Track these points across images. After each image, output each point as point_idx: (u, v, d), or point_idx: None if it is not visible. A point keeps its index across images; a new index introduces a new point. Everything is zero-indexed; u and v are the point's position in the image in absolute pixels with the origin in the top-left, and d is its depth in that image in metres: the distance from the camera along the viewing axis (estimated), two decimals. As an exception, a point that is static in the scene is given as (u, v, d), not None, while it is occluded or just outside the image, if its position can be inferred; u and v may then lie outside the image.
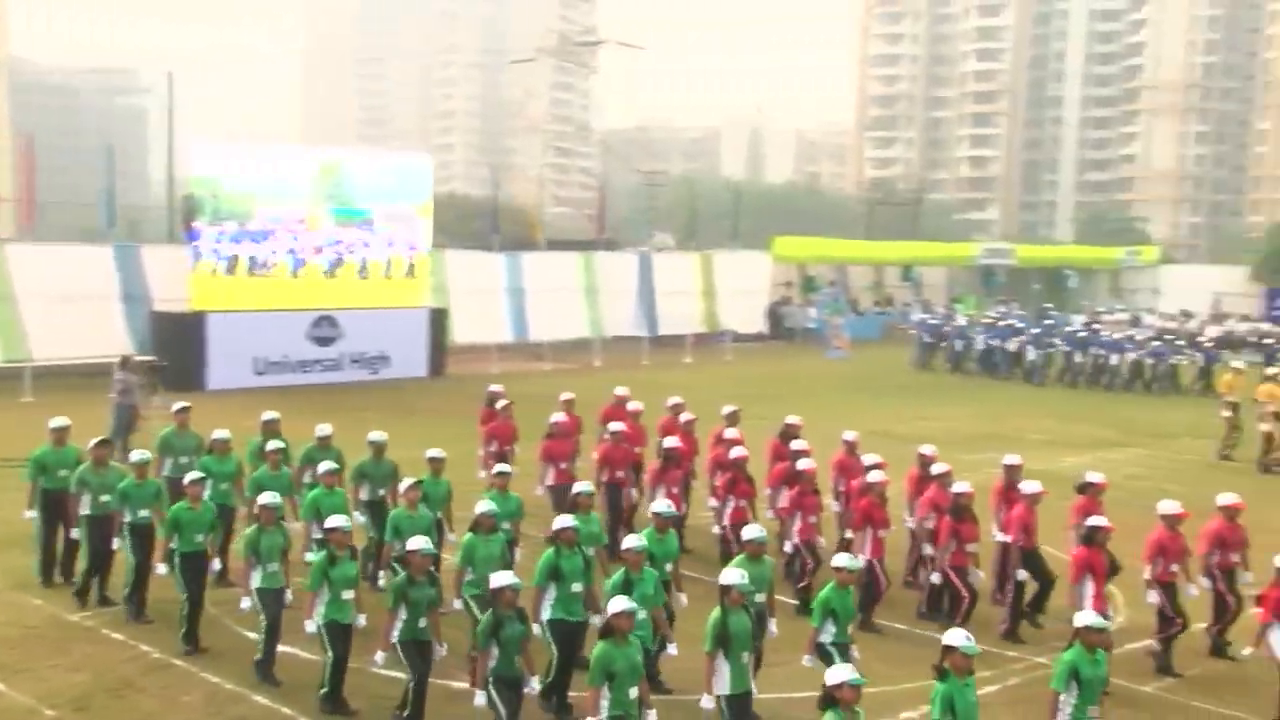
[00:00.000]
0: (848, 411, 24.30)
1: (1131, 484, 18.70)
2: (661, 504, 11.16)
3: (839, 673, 7.29)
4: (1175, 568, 11.28)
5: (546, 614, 10.00)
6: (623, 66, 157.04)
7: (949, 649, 7.58)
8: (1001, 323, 38.30)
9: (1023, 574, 12.09)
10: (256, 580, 10.71)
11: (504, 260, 37.23)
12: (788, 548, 12.99)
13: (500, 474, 12.26)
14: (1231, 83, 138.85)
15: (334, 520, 10.31)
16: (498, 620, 8.80)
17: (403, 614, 9.52)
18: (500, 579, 8.97)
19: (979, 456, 19.27)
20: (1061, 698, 8.00)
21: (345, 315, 30.40)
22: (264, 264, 29.18)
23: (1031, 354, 34.57)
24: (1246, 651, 10.67)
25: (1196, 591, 11.52)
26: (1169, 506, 11.43)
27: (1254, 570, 11.61)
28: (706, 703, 8.71)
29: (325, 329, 30.15)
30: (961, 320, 41.26)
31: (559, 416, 15.55)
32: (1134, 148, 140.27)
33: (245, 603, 10.90)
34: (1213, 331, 41.13)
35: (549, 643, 10.01)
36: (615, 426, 15.19)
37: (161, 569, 11.67)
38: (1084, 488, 12.38)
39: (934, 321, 40.68)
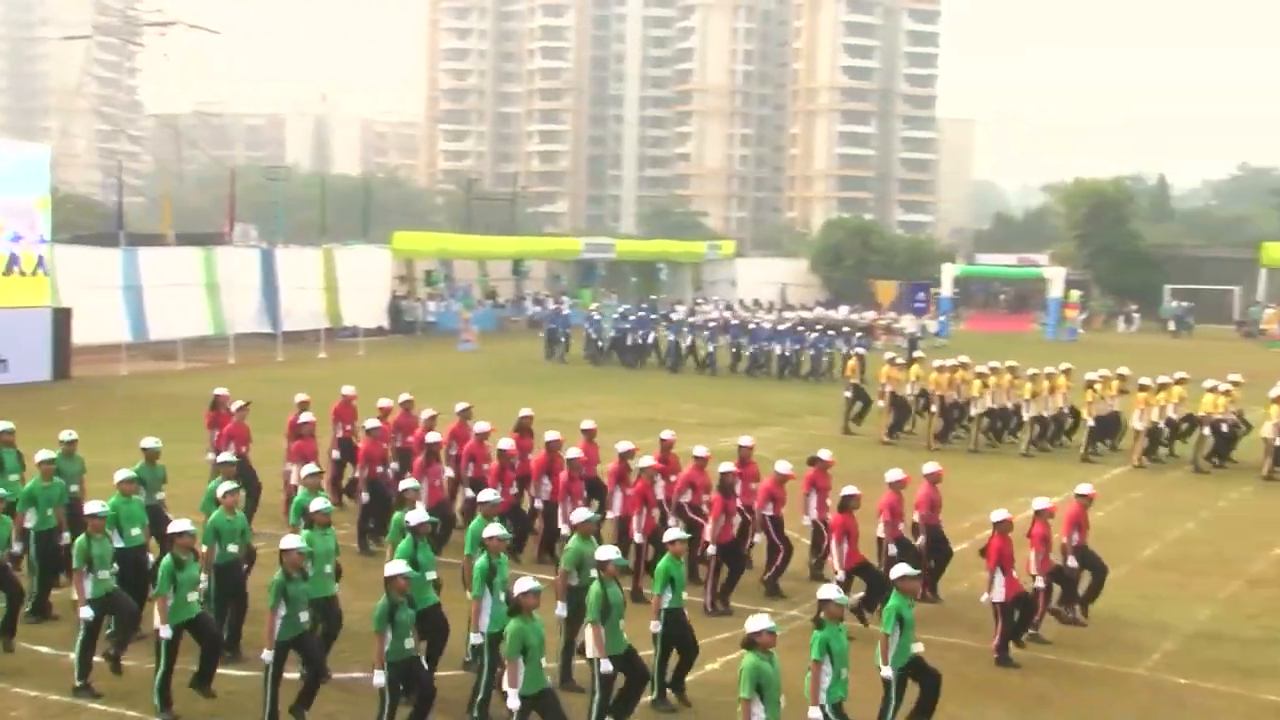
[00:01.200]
0: (518, 401, 25.29)
1: (788, 456, 21.21)
2: (489, 494, 11.98)
3: (759, 621, 8.62)
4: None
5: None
6: (179, 47, 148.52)
7: (824, 601, 9.06)
8: (634, 315, 40.62)
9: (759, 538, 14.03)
10: (89, 589, 10.55)
11: (121, 256, 35.19)
12: (564, 529, 14.03)
13: (312, 474, 12.63)
14: (767, 90, 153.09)
15: (178, 525, 10.40)
16: (392, 605, 9.40)
17: (282, 610, 9.80)
18: (394, 567, 9.60)
19: (651, 440, 20.99)
20: (890, 636, 9.68)
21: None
22: None
23: (692, 343, 37.15)
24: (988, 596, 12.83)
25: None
26: (893, 474, 13.63)
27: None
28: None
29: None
30: (568, 310, 43.50)
31: (307, 416, 15.77)
32: (688, 147, 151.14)
33: (86, 611, 10.61)
34: (790, 317, 45.98)
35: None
36: (371, 424, 15.72)
37: None
38: (865, 495, 14.27)
39: (567, 313, 42.47)
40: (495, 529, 10.59)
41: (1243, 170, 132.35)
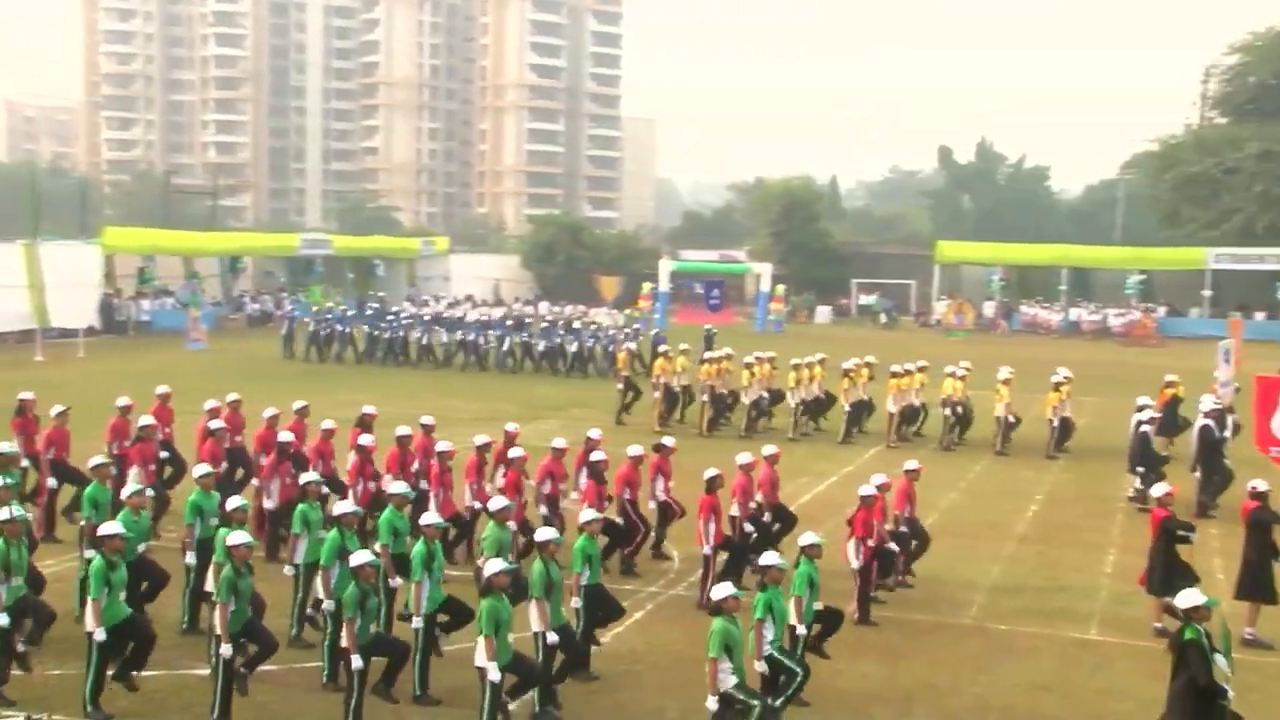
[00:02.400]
0: (273, 399, 25.01)
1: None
2: (399, 486, 12.37)
3: (724, 589, 9.55)
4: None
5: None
6: None
7: (766, 568, 10.11)
8: (385, 311, 40.39)
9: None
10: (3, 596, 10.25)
11: None
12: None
13: (204, 476, 12.50)
14: (455, 85, 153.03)
15: (109, 527, 10.46)
16: (363, 593, 9.83)
17: (232, 605, 9.99)
18: (360, 557, 10.01)
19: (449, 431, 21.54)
20: (801, 598, 10.80)
21: None
22: None
23: (464, 340, 37.19)
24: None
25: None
26: (743, 457, 14.87)
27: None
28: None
29: None
30: (295, 307, 42.70)
31: (147, 420, 15.44)
32: (375, 140, 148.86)
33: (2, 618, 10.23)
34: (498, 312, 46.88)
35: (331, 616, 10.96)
36: (216, 424, 15.55)
37: None
38: (715, 480, 15.25)
39: (320, 312, 41.53)
40: (430, 517, 11.06)
41: (894, 173, 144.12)
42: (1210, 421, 18.68)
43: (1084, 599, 14.94)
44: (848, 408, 25.25)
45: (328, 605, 10.88)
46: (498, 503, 12.06)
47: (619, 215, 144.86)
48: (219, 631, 9.93)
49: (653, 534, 15.52)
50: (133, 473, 14.77)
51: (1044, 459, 23.71)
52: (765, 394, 26.08)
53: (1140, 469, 19.36)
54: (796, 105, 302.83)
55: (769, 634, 10.03)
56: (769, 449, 15.54)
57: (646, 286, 55.40)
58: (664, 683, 11.87)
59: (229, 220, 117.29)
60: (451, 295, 55.63)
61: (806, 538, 11.19)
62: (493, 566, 9.84)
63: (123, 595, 10.28)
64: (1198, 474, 18.95)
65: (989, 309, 58.18)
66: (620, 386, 27.18)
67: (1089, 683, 12.19)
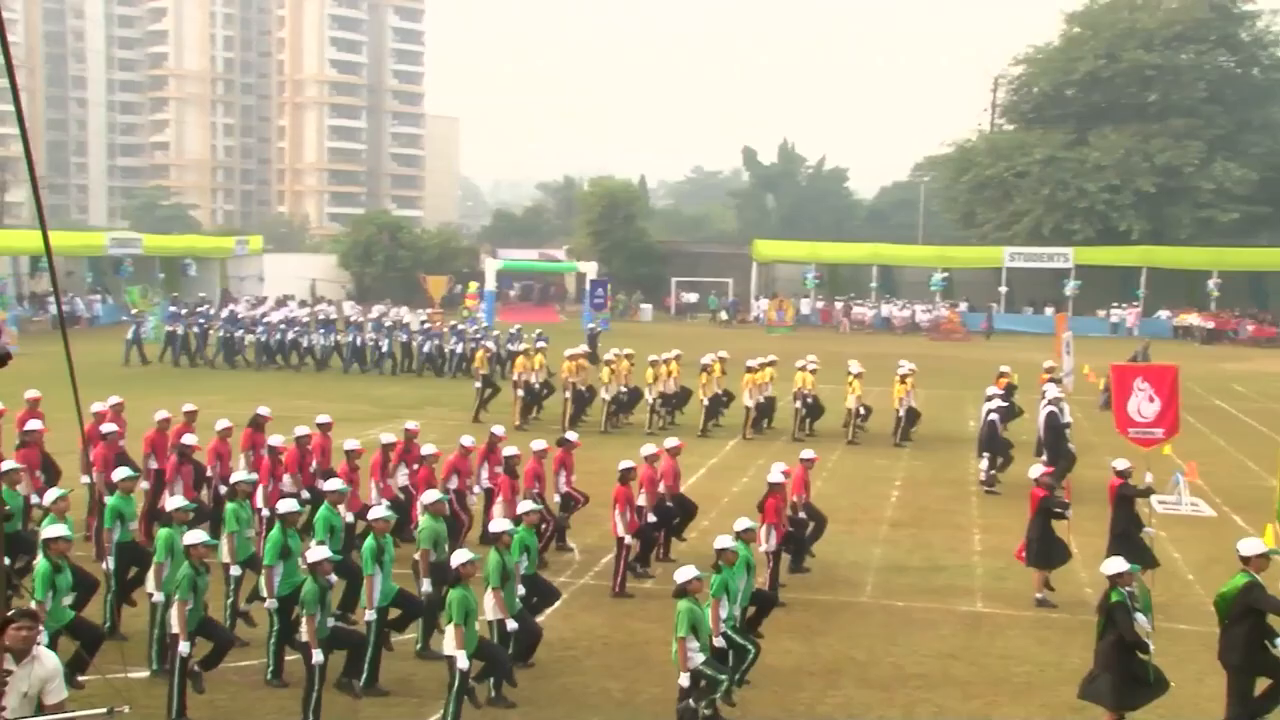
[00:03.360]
0: (149, 399, 24.22)
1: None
2: (335, 483, 12.40)
3: (687, 571, 10.01)
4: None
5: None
6: None
7: (722, 550, 10.63)
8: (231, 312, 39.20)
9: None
10: None
11: None
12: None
13: (126, 480, 12.31)
14: (250, 79, 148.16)
15: (53, 530, 10.37)
16: (321, 589, 9.96)
17: (190, 603, 10.03)
18: (318, 553, 10.17)
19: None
20: (719, 601, 11.00)
21: None
22: None
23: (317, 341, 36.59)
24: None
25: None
26: (648, 449, 15.38)
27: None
28: None
29: None
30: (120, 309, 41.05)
31: (36, 424, 14.95)
32: (166, 135, 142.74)
33: None
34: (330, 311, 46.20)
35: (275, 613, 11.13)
36: (108, 428, 15.38)
37: None
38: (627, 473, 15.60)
39: (192, 313, 39.89)
40: (380, 511, 11.23)
41: (696, 173, 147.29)
42: (1055, 408, 20.17)
43: (963, 576, 16.04)
44: (705, 401, 26.04)
45: (270, 604, 10.92)
46: (430, 496, 12.25)
47: (423, 214, 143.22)
48: (176, 629, 9.88)
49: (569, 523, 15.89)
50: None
51: (892, 447, 25.03)
52: (624, 390, 26.64)
53: (988, 454, 20.76)
54: (595, 103, 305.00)
55: (724, 612, 10.55)
56: (671, 441, 16.10)
57: (473, 286, 55.26)
58: (602, 666, 12.33)
59: (4, 218, 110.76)
60: (276, 295, 54.18)
61: (741, 523, 11.77)
62: (460, 557, 10.09)
63: (67, 600, 10.25)
64: (1044, 457, 20.39)
65: (805, 306, 60.29)
66: (479, 385, 27.28)
67: (989, 649, 13.19)
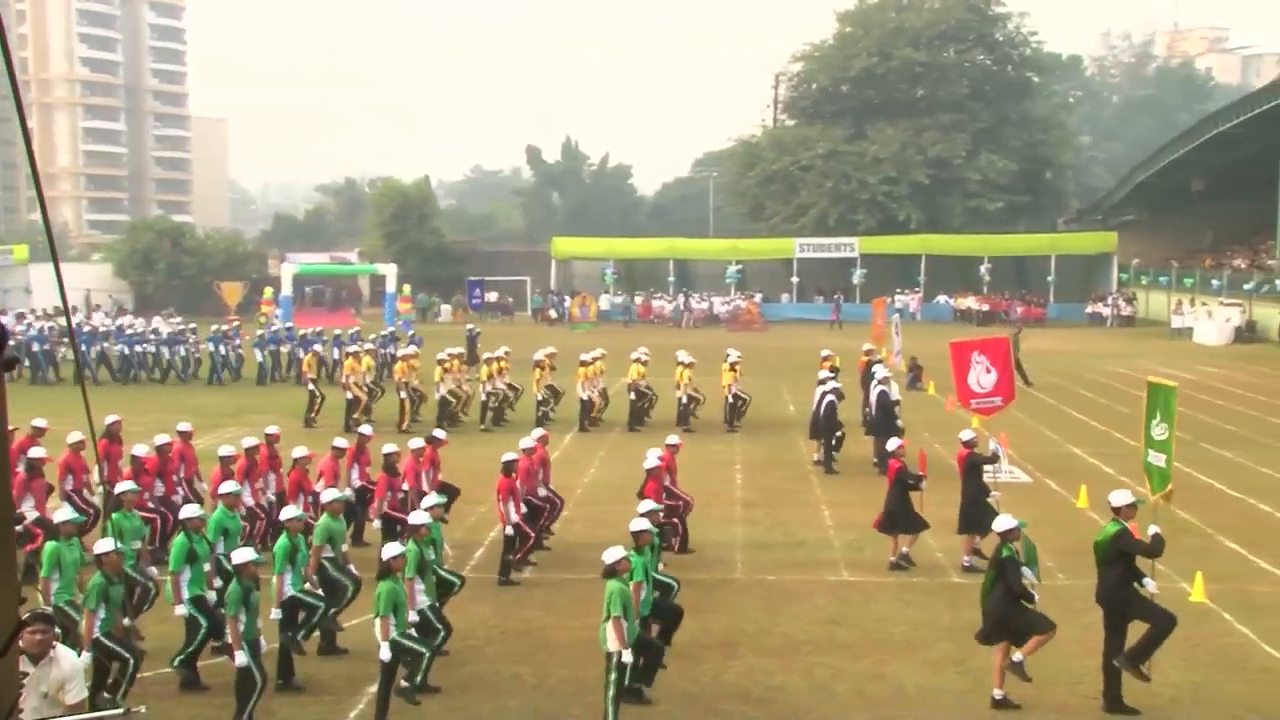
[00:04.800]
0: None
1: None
2: (231, 484, 12.22)
3: (615, 552, 10.35)
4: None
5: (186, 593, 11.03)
6: None
7: (640, 533, 11.00)
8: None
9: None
10: None
11: None
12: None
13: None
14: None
15: (103, 545, 10.39)
16: (245, 590, 9.94)
17: (101, 612, 9.96)
18: (243, 554, 10.14)
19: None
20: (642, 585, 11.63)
21: None
22: None
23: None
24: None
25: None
26: (526, 443, 15.59)
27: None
28: None
29: None
30: None
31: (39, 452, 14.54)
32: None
33: None
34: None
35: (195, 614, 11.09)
36: (74, 437, 15.70)
37: None
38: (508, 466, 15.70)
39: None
40: (291, 511, 11.22)
41: (475, 172, 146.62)
42: (885, 387, 21.35)
43: (823, 549, 16.90)
44: (539, 396, 26.33)
45: (181, 610, 10.78)
46: (329, 494, 12.23)
47: (192, 219, 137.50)
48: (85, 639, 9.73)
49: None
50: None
51: (724, 433, 25.90)
52: (503, 388, 26.80)
53: (826, 435, 21.81)
54: (370, 104, 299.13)
55: (643, 594, 10.94)
56: (539, 432, 16.39)
57: (269, 291, 53.72)
58: (505, 653, 12.62)
59: None
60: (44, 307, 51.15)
61: (644, 505, 12.19)
62: (391, 550, 10.19)
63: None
64: (874, 435, 21.58)
65: (605, 302, 61.00)
66: (310, 389, 26.79)
67: (864, 614, 14.02)
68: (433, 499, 12.83)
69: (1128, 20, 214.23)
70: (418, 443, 15.64)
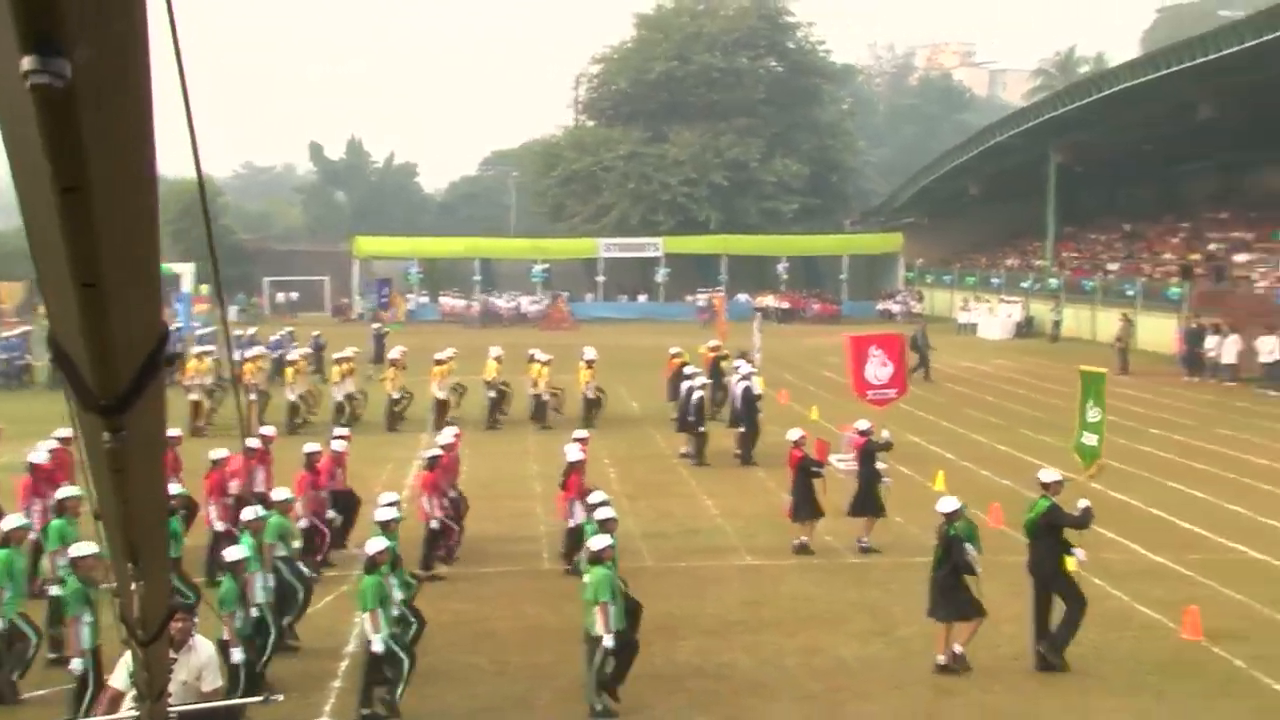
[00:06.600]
0: None
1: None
2: (174, 487, 12.03)
3: (601, 540, 10.71)
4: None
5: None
6: None
7: (601, 550, 11.27)
8: None
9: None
10: None
11: None
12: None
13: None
14: None
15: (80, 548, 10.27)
16: (241, 586, 10.01)
17: (87, 617, 9.84)
18: (80, 549, 10.09)
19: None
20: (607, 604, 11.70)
21: None
22: None
23: None
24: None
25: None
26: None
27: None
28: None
29: None
30: None
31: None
32: None
33: None
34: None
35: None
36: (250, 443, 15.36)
37: None
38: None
39: None
40: (253, 511, 11.28)
41: (246, 169, 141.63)
42: (749, 383, 22.27)
43: (718, 536, 17.64)
44: (396, 395, 26.17)
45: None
46: (280, 493, 12.15)
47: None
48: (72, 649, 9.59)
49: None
50: None
51: (584, 429, 26.32)
52: (305, 390, 26.28)
53: (692, 429, 22.57)
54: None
55: (612, 609, 11.23)
56: (453, 430, 16.53)
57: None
58: (450, 643, 12.80)
59: None
60: None
61: (604, 512, 12.54)
62: (375, 545, 10.29)
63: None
64: (740, 429, 22.45)
65: (410, 302, 60.21)
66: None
67: (781, 594, 14.81)
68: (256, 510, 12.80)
69: (892, 33, 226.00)
70: (254, 443, 15.63)
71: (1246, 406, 29.74)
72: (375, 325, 39.54)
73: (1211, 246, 46.58)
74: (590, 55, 71.62)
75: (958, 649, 11.65)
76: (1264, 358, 31.96)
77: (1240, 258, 43.57)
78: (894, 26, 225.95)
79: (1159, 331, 39.58)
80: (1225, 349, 33.32)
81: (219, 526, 14.03)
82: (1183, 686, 11.76)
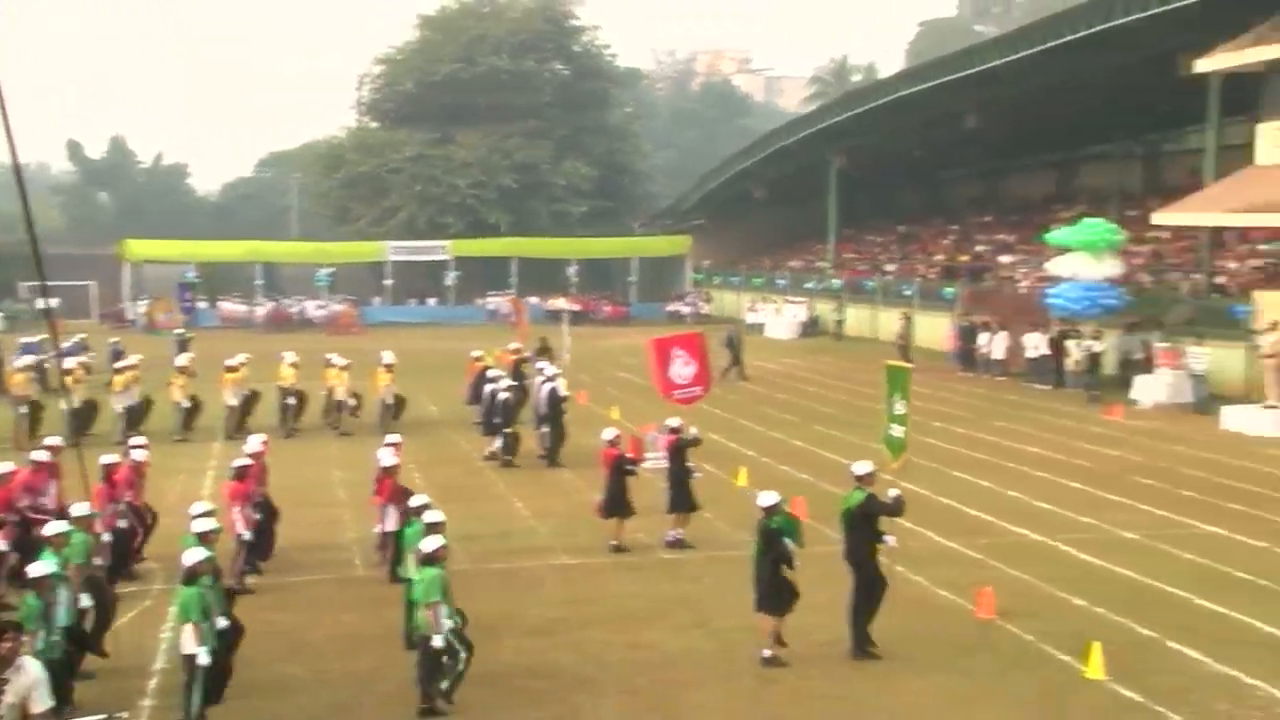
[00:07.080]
0: None
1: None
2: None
3: (434, 540, 10.71)
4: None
5: None
6: None
7: (436, 550, 11.11)
8: None
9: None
10: None
11: None
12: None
13: None
14: None
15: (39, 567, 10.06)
16: (45, 605, 9.70)
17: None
18: (40, 568, 9.73)
19: None
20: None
21: None
22: None
23: None
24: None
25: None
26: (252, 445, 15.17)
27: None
28: None
29: None
30: None
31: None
32: None
33: None
34: None
35: None
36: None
37: None
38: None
39: None
40: (58, 526, 10.86)
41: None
42: (554, 384, 22.34)
43: (532, 537, 17.69)
44: (186, 404, 25.18)
45: None
46: (79, 509, 11.66)
47: None
48: None
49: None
50: None
51: (381, 434, 25.83)
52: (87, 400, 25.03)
53: (498, 431, 22.51)
54: None
55: (444, 611, 11.12)
56: (260, 437, 16.07)
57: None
58: (262, 654, 12.27)
59: None
60: None
61: (433, 516, 12.37)
62: (194, 556, 10.00)
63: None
64: (545, 429, 22.50)
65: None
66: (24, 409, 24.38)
67: (604, 591, 14.98)
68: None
69: (673, 39, 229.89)
70: (41, 454, 14.89)
71: (1017, 399, 31.68)
72: (177, 331, 37.86)
73: (979, 248, 49.41)
74: (373, 55, 70.34)
75: (766, 653, 12.00)
76: (1030, 353, 34.07)
77: (1004, 259, 46.37)
78: (674, 32, 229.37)
79: (934, 329, 41.66)
80: (995, 345, 35.42)
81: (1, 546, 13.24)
82: (982, 662, 12.46)
